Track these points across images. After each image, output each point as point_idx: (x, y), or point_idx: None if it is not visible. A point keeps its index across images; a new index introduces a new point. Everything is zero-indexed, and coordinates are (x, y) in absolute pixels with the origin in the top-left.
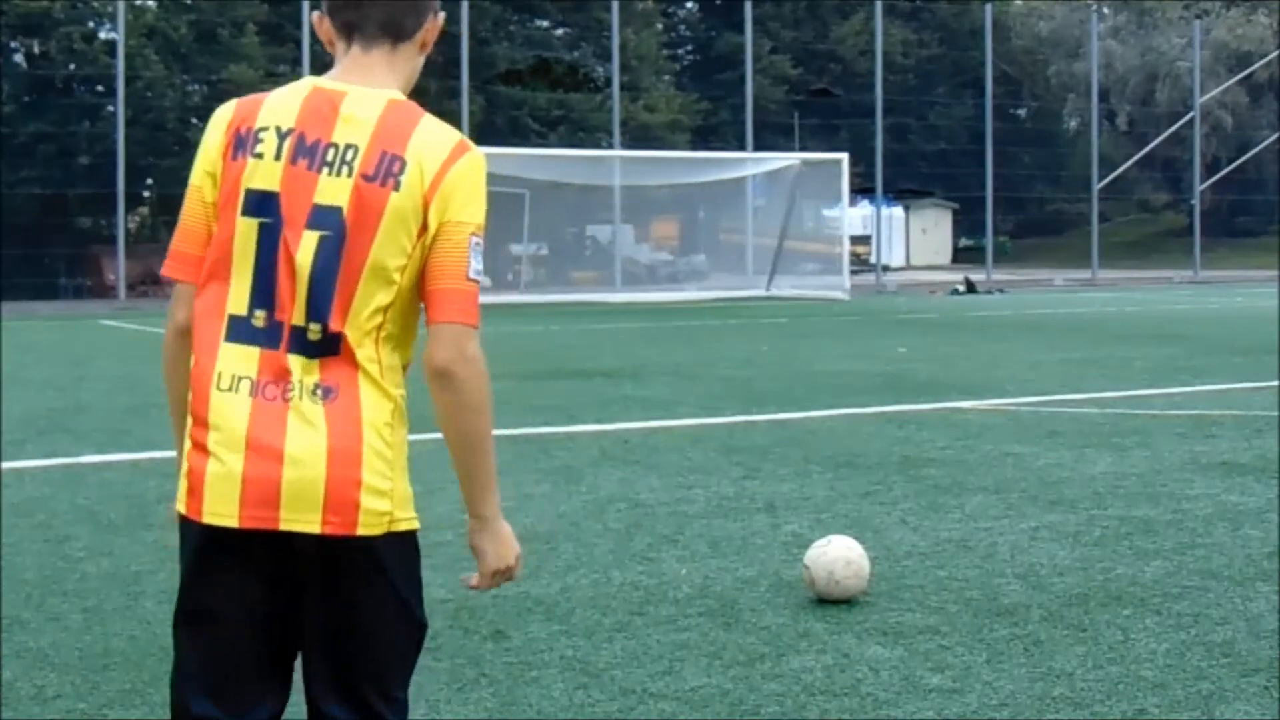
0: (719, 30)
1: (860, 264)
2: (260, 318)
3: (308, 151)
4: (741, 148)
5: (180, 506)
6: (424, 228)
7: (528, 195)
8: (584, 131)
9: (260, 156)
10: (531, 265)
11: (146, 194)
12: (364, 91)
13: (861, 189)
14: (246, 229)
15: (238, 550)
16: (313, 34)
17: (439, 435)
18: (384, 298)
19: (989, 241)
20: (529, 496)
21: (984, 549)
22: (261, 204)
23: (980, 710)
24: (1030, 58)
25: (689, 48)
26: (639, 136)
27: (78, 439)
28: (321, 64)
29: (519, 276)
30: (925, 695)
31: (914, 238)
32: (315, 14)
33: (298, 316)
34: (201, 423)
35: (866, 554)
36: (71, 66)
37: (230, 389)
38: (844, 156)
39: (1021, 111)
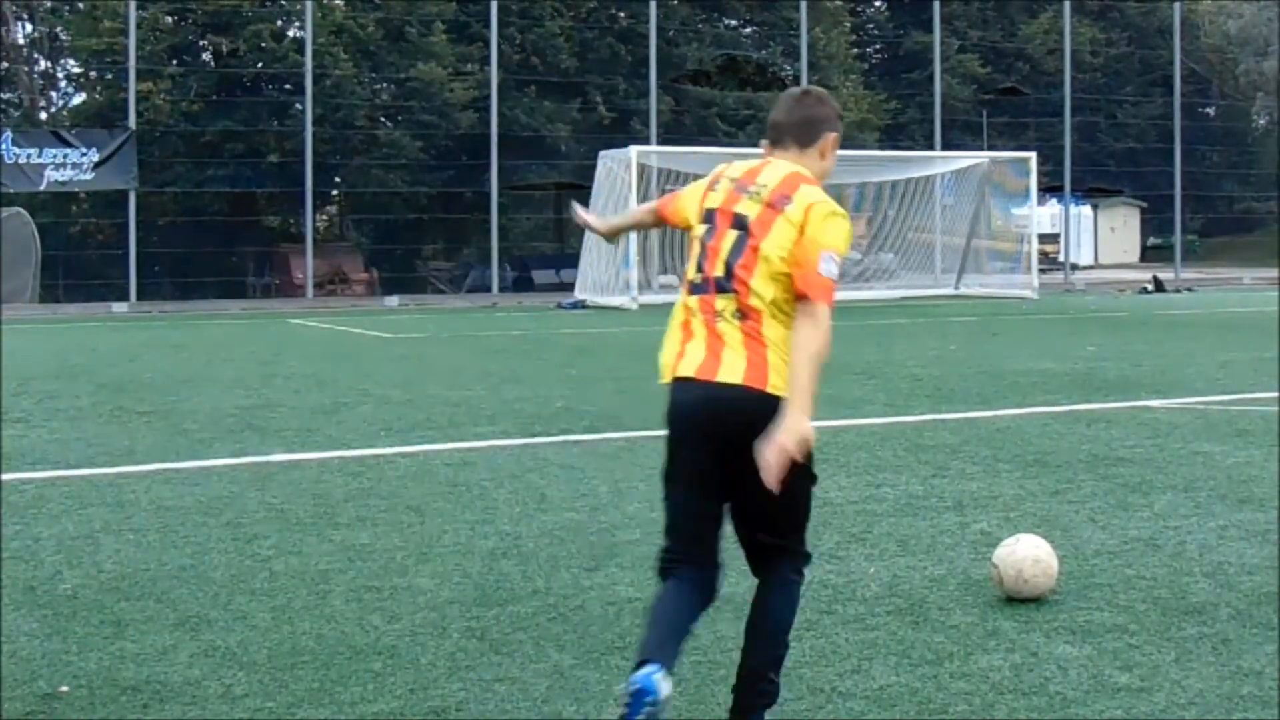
0: (907, 29)
1: (1049, 263)
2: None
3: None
4: (930, 146)
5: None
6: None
7: None
8: None
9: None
10: None
11: (334, 193)
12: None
13: (1050, 187)
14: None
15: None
16: (500, 32)
17: (623, 434)
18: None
19: (1177, 240)
20: None
21: (1172, 548)
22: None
23: (1168, 709)
24: (1219, 56)
25: (877, 47)
26: None
27: (266, 438)
28: (508, 64)
29: None
30: (1113, 694)
31: (1102, 236)
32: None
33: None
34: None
35: (1055, 552)
36: (260, 65)
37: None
38: (1032, 155)
39: (1210, 110)
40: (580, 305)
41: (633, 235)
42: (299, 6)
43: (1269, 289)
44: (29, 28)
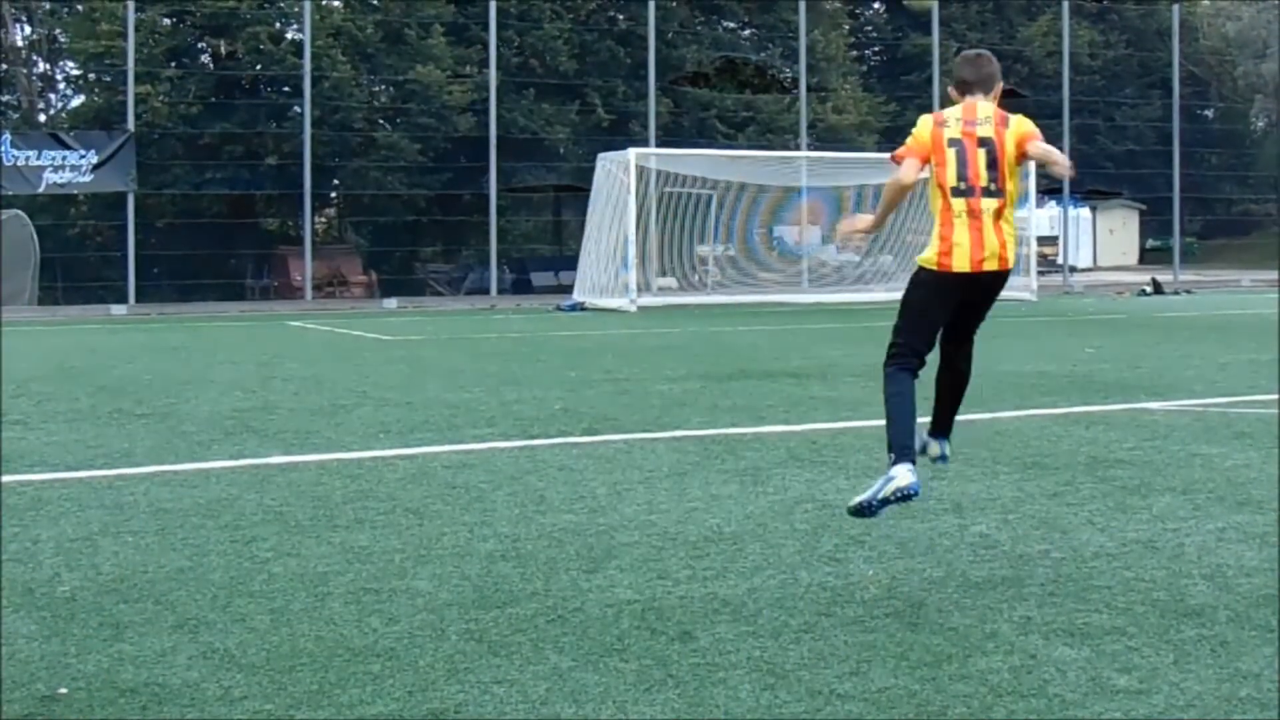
0: (906, 31)
1: (1047, 265)
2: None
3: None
4: None
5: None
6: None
7: (714, 196)
8: (771, 133)
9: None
10: (719, 266)
11: (333, 195)
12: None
13: (1049, 189)
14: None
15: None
16: (499, 34)
17: (622, 436)
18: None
19: (1176, 242)
20: (716, 497)
21: (1171, 549)
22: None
23: (1167, 711)
24: (1217, 58)
25: (876, 49)
26: (826, 138)
27: (265, 440)
28: (507, 66)
29: (706, 277)
30: (1112, 696)
31: (1101, 238)
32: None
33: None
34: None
35: None
36: (258, 67)
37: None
38: None
39: (1209, 112)
40: (579, 307)
41: (631, 238)
42: (297, 8)
43: (1268, 291)
44: (27, 30)
